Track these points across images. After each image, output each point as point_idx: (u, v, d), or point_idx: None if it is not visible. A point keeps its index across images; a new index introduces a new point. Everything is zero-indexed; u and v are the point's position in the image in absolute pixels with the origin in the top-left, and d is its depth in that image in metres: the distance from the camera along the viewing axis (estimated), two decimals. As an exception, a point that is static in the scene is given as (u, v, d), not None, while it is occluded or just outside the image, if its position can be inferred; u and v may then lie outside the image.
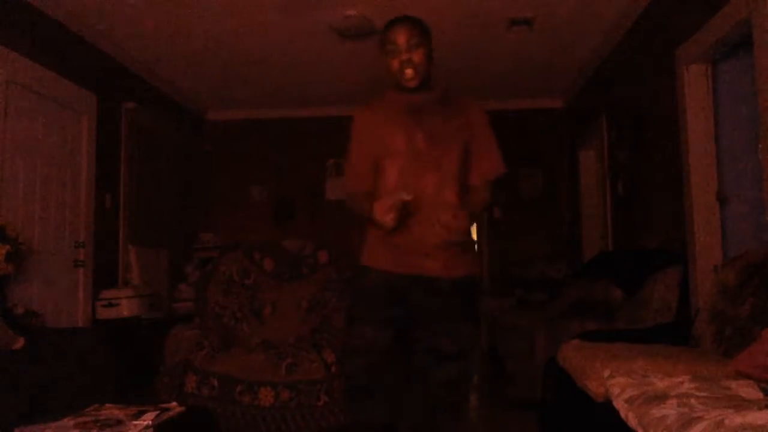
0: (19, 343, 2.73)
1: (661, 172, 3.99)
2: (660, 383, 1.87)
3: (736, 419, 1.42)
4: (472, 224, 2.20)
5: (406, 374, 2.20)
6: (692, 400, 1.66)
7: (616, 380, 2.02)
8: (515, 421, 3.73)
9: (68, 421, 2.11)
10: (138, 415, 2.17)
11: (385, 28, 2.20)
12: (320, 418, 3.17)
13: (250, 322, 3.81)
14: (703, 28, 3.27)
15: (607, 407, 2.03)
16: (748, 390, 1.77)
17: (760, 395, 1.73)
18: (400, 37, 2.13)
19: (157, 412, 2.19)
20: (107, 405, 2.34)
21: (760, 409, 1.49)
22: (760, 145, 2.87)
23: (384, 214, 1.95)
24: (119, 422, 2.10)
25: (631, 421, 1.77)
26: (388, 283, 2.13)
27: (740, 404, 1.60)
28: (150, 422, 2.10)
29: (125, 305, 4.38)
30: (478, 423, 3.93)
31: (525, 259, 6.35)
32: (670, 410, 1.63)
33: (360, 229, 2.31)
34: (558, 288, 5.36)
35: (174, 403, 2.40)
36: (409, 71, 2.12)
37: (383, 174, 2.17)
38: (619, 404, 1.90)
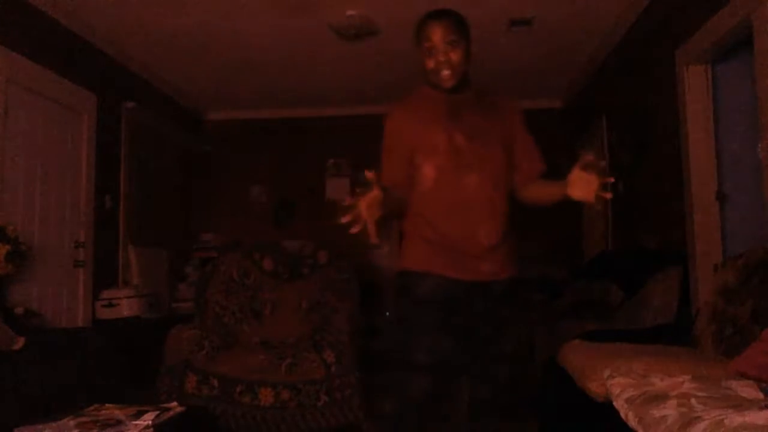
0: (19, 343, 2.73)
1: (661, 171, 3.99)
2: (660, 383, 1.87)
3: (736, 419, 1.42)
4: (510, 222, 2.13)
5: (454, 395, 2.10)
6: (692, 400, 1.66)
7: (616, 380, 2.02)
8: (515, 421, 3.72)
9: (68, 421, 2.11)
10: (138, 415, 2.17)
11: (421, 21, 2.03)
12: (320, 418, 3.17)
13: (250, 322, 3.81)
14: (703, 28, 3.27)
15: (607, 407, 2.03)
16: (748, 390, 1.77)
17: (760, 395, 1.73)
18: (437, 34, 1.97)
19: (157, 412, 2.20)
20: (107, 405, 2.34)
21: (760, 409, 1.49)
22: (760, 145, 2.87)
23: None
24: (119, 422, 2.10)
25: (631, 421, 1.77)
26: (446, 289, 2.00)
27: (740, 404, 1.60)
28: (150, 422, 2.10)
29: (125, 305, 4.38)
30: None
31: (525, 259, 6.33)
32: (670, 410, 1.63)
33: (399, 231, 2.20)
34: (558, 288, 5.36)
35: (174, 403, 2.40)
36: (446, 72, 2.00)
37: (420, 173, 2.05)
38: (619, 404, 1.90)
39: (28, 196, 3.87)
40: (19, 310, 3.23)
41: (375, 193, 1.83)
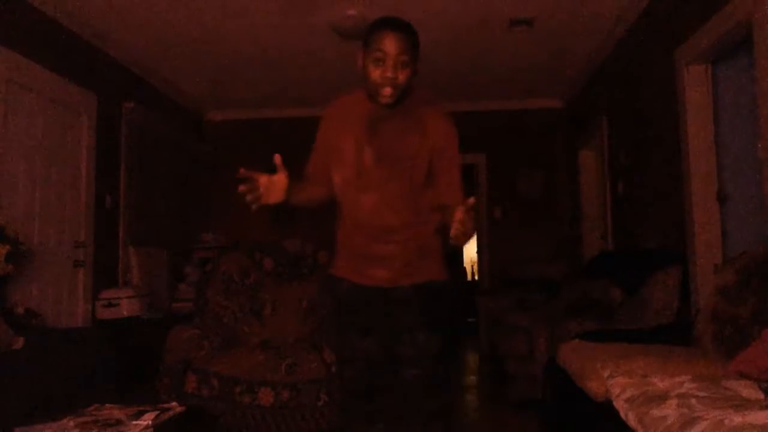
0: (19, 343, 2.73)
1: (661, 172, 3.99)
2: (660, 383, 1.87)
3: (736, 419, 1.42)
4: (429, 227, 2.07)
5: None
6: (692, 400, 1.66)
7: (616, 380, 2.02)
8: (515, 421, 3.73)
9: (68, 421, 2.11)
10: (138, 415, 2.17)
11: (377, 25, 1.93)
12: (320, 418, 3.17)
13: (250, 322, 3.81)
14: (703, 28, 3.27)
15: (607, 407, 2.03)
16: (748, 390, 1.77)
17: (760, 395, 1.73)
18: (391, 48, 1.88)
19: (157, 412, 2.20)
20: (107, 405, 2.34)
21: (760, 409, 1.49)
22: (760, 145, 2.87)
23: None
24: (119, 422, 2.10)
25: (631, 421, 1.77)
26: (354, 293, 2.09)
27: (740, 404, 1.60)
28: (150, 422, 2.10)
29: (125, 305, 4.38)
30: (478, 423, 3.93)
31: (525, 259, 6.35)
32: (670, 410, 1.63)
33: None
34: (558, 288, 5.36)
35: (174, 403, 2.40)
36: (388, 89, 1.92)
37: (333, 179, 2.13)
38: (619, 404, 1.90)
39: (28, 196, 3.87)
40: (19, 310, 3.23)
41: (279, 176, 1.96)
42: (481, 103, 6.58)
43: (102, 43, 4.68)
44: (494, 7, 4.30)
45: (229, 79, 5.76)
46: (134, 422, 2.10)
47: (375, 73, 1.92)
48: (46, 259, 3.99)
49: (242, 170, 1.93)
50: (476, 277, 8.40)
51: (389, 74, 1.90)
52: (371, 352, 2.06)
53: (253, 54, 5.11)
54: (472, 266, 9.38)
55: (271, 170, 2.07)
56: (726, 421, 1.42)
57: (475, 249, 7.21)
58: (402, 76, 1.91)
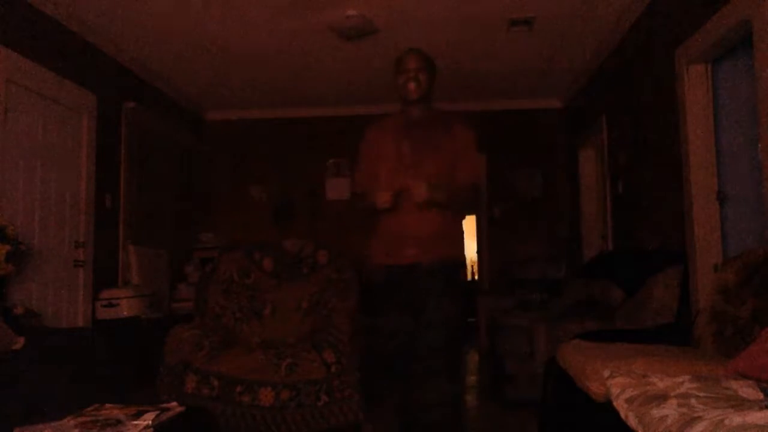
0: (19, 343, 2.73)
1: (661, 172, 3.99)
2: (660, 383, 1.87)
3: (736, 419, 1.42)
4: (455, 216, 2.67)
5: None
6: (692, 400, 1.67)
7: (616, 380, 2.02)
8: (515, 421, 3.73)
9: (68, 421, 2.11)
10: (138, 415, 2.17)
11: (400, 55, 2.70)
12: (320, 418, 3.17)
13: (250, 322, 3.81)
14: (703, 28, 3.27)
15: (607, 407, 2.03)
16: (748, 390, 1.76)
17: (760, 395, 1.73)
18: (410, 62, 2.64)
19: (157, 412, 2.19)
20: (107, 405, 2.34)
21: (760, 409, 1.49)
22: (760, 145, 2.87)
23: (381, 197, 2.51)
24: (119, 422, 2.10)
25: (631, 421, 1.77)
26: (392, 275, 2.63)
27: (740, 404, 1.60)
28: (150, 422, 2.10)
29: (125, 305, 4.38)
30: (478, 423, 3.93)
31: (525, 259, 6.35)
32: (670, 410, 1.63)
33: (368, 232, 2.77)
34: (558, 288, 5.36)
35: (174, 403, 2.39)
36: (411, 85, 2.62)
37: (378, 175, 2.66)
38: (619, 404, 1.90)
39: (28, 196, 3.87)
40: (19, 310, 3.23)
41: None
42: (481, 103, 6.58)
43: (102, 43, 4.68)
44: (494, 7, 4.30)
45: (229, 79, 5.76)
46: (134, 422, 2.10)
47: (401, 78, 2.65)
48: (46, 259, 3.99)
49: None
50: (476, 277, 8.40)
51: (411, 75, 2.62)
52: (410, 325, 2.58)
53: (253, 54, 5.11)
54: (472, 266, 9.38)
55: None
56: (726, 421, 1.42)
57: (475, 249, 7.21)
58: (421, 76, 2.62)
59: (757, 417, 1.42)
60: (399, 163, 2.60)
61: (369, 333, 3.20)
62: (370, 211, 2.63)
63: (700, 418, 1.50)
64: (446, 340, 2.51)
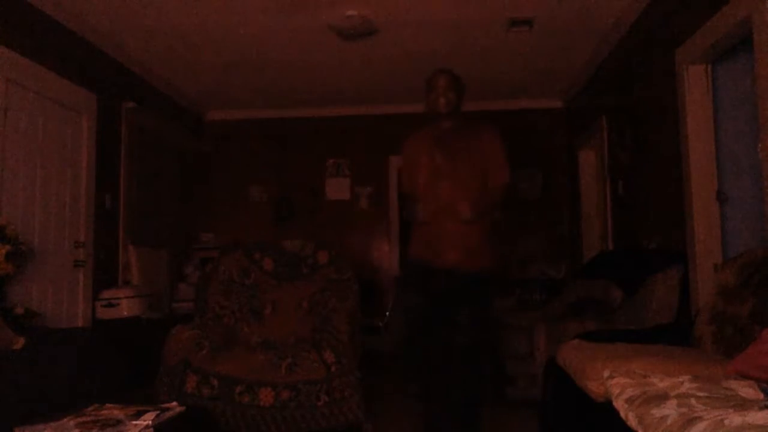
0: (19, 343, 2.73)
1: (661, 172, 3.99)
2: (660, 383, 1.87)
3: (736, 419, 1.42)
4: (487, 222, 2.93)
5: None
6: (692, 400, 1.67)
7: (616, 380, 2.02)
8: (515, 421, 3.73)
9: (68, 421, 2.11)
10: (138, 415, 2.17)
11: (431, 74, 2.99)
12: (320, 418, 3.17)
13: (250, 322, 3.82)
14: (703, 28, 3.27)
15: (607, 407, 2.03)
16: (748, 390, 1.76)
17: (760, 395, 1.73)
18: (441, 81, 2.93)
19: (157, 412, 2.20)
20: (107, 405, 2.34)
21: (760, 409, 1.49)
22: (760, 145, 2.87)
23: (424, 214, 2.88)
24: (119, 422, 2.10)
25: (631, 421, 1.77)
26: (425, 268, 2.90)
27: (740, 404, 1.60)
28: (150, 422, 2.10)
29: (125, 305, 4.38)
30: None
31: (525, 259, 6.35)
32: (670, 410, 1.63)
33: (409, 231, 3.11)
34: (558, 288, 5.36)
35: (174, 403, 2.40)
36: (442, 100, 2.92)
37: (417, 182, 2.97)
38: (619, 404, 1.90)
39: (28, 196, 3.87)
40: (19, 310, 3.23)
41: None
42: (481, 103, 6.57)
43: (102, 43, 4.68)
44: (494, 7, 4.30)
45: (229, 79, 5.76)
46: (134, 422, 2.10)
47: (432, 95, 2.94)
48: (46, 259, 3.99)
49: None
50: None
51: (441, 91, 2.92)
52: (424, 306, 2.88)
53: (253, 54, 5.11)
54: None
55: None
56: (726, 421, 1.42)
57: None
58: (450, 94, 2.92)
59: (757, 417, 1.42)
60: (434, 172, 2.91)
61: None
62: (413, 218, 2.98)
63: (700, 418, 1.50)
64: (475, 340, 2.78)
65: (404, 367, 3.19)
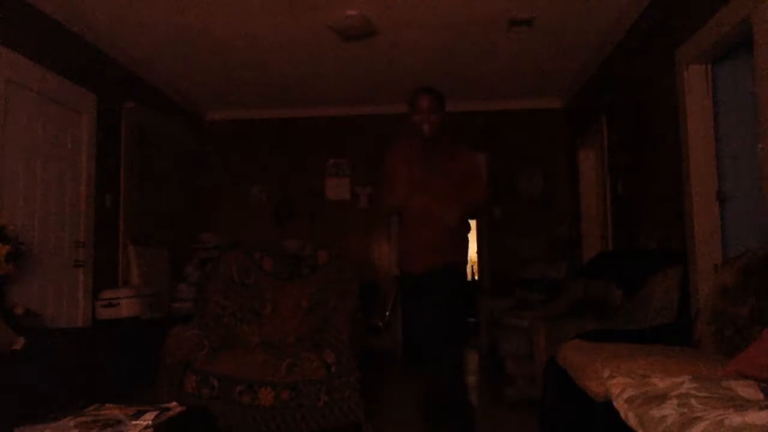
0: (19, 343, 2.73)
1: (661, 172, 3.99)
2: (660, 383, 1.87)
3: (736, 419, 1.42)
4: (462, 228, 3.00)
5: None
6: (692, 400, 1.66)
7: (616, 380, 2.02)
8: (515, 421, 3.73)
9: (68, 421, 2.11)
10: (138, 415, 2.17)
11: (414, 93, 2.99)
12: (320, 418, 3.17)
13: (250, 322, 3.81)
14: (703, 28, 3.27)
15: (607, 407, 2.03)
16: (748, 390, 1.76)
17: (760, 395, 1.73)
18: (424, 103, 2.92)
19: (157, 412, 2.20)
20: (107, 405, 2.34)
21: (760, 409, 1.49)
22: (760, 145, 2.87)
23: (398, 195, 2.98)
24: (119, 422, 2.10)
25: (631, 421, 1.77)
26: (412, 279, 3.03)
27: (740, 404, 1.60)
28: (150, 422, 2.10)
29: (125, 305, 4.37)
30: (478, 423, 3.92)
31: (525, 259, 6.35)
32: (670, 410, 1.63)
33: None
34: (558, 288, 5.36)
35: (174, 403, 2.40)
36: (426, 126, 2.92)
37: (395, 191, 3.01)
38: (619, 404, 1.90)
39: (28, 196, 3.87)
40: (19, 310, 3.23)
41: None
42: (482, 103, 6.59)
43: (102, 43, 4.68)
44: (494, 7, 4.31)
45: (229, 79, 5.76)
46: (134, 422, 2.10)
47: (417, 118, 2.93)
48: (46, 259, 3.99)
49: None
50: (476, 277, 8.40)
51: (425, 116, 2.92)
52: (419, 318, 3.01)
53: (253, 54, 5.11)
54: (473, 266, 9.38)
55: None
56: (726, 421, 1.42)
57: (476, 249, 7.21)
58: (433, 118, 2.92)
59: (757, 417, 1.42)
60: (413, 184, 2.97)
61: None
62: (390, 211, 3.13)
63: (700, 418, 1.50)
64: (449, 316, 2.93)
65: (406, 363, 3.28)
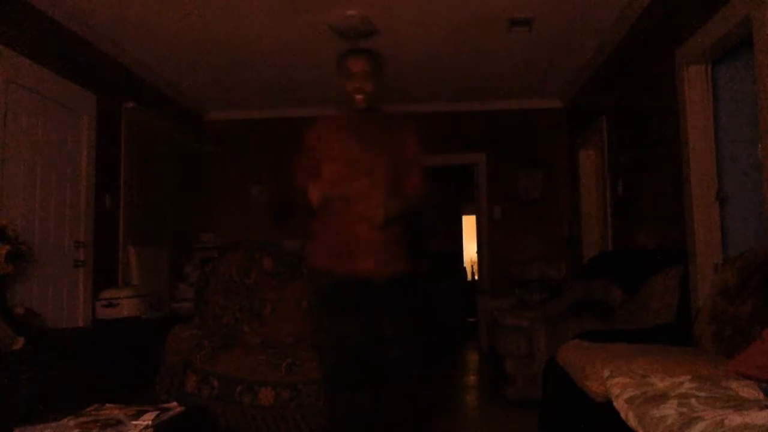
0: (19, 343, 2.73)
1: (661, 172, 3.99)
2: (660, 383, 1.87)
3: (736, 419, 1.42)
4: (396, 224, 2.48)
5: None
6: (692, 400, 1.66)
7: (616, 380, 2.02)
8: (515, 421, 3.73)
9: (68, 421, 2.11)
10: (138, 415, 2.17)
11: (343, 55, 2.52)
12: (320, 418, 3.17)
13: (250, 322, 3.81)
14: (703, 28, 3.27)
15: (607, 407, 2.03)
16: (748, 390, 1.76)
17: (760, 395, 1.73)
18: (356, 66, 2.46)
19: (157, 412, 2.20)
20: (107, 405, 2.34)
21: (760, 409, 1.49)
22: (760, 145, 2.87)
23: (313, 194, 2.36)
24: (119, 422, 2.10)
25: (631, 421, 1.77)
26: (343, 284, 2.46)
27: (740, 404, 1.60)
28: (150, 422, 2.10)
29: (125, 305, 4.37)
30: (478, 423, 3.93)
31: (525, 259, 6.35)
32: (670, 410, 1.63)
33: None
34: (558, 288, 5.36)
35: (174, 403, 2.40)
36: (359, 97, 2.48)
37: (321, 177, 2.47)
38: (619, 404, 1.90)
39: (28, 196, 3.87)
40: (19, 310, 3.23)
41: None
42: (481, 103, 6.58)
43: (102, 43, 4.68)
44: (494, 7, 4.30)
45: (229, 79, 5.76)
46: (134, 422, 2.10)
47: (348, 86, 2.47)
48: (46, 259, 3.99)
49: None
50: (476, 277, 8.40)
51: (357, 84, 2.45)
52: (359, 330, 2.46)
53: (253, 54, 5.11)
54: (472, 266, 9.39)
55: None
56: (726, 421, 1.42)
57: (475, 249, 7.21)
58: (368, 86, 2.47)
59: (757, 417, 1.42)
60: (348, 168, 2.42)
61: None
62: (306, 209, 2.44)
63: (700, 418, 1.50)
64: (405, 357, 2.48)
65: None
